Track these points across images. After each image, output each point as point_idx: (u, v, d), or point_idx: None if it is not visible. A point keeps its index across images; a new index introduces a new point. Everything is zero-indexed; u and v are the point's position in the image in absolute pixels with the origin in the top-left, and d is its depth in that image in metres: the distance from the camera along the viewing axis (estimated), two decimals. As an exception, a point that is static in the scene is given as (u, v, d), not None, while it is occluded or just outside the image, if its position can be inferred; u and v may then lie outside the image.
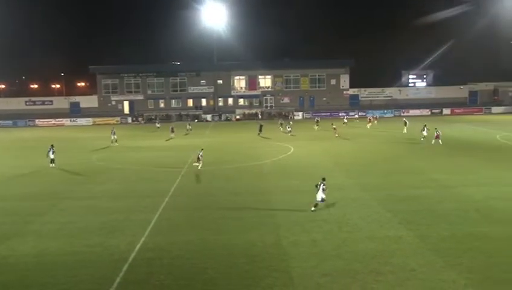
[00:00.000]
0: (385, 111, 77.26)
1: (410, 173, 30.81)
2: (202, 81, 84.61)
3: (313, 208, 22.47)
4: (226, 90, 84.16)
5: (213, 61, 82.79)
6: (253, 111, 79.75)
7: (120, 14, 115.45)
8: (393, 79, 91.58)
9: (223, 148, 45.29)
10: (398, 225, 20.22)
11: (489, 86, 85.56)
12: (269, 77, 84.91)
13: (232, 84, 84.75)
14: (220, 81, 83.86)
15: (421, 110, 76.60)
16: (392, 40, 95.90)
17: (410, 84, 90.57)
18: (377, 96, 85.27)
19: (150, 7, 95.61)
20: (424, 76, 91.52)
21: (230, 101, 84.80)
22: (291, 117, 71.81)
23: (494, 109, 77.80)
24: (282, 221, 21.20)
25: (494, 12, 78.80)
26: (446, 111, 76.97)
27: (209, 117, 77.31)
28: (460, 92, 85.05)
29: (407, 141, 45.89)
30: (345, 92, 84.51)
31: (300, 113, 78.21)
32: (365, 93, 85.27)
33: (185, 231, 20.38)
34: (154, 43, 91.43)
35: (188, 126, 59.41)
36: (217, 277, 15.75)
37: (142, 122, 74.92)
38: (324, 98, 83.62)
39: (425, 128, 44.93)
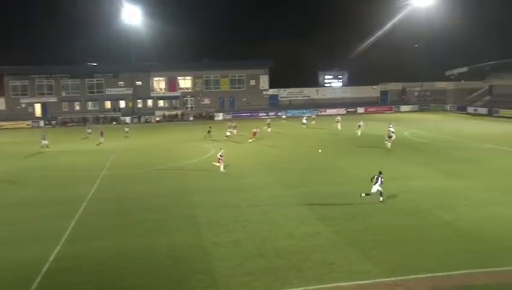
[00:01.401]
0: (304, 111, 79.43)
1: (329, 170, 31.84)
2: (120, 83, 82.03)
3: (363, 194, 23.42)
4: (145, 92, 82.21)
5: (131, 62, 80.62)
6: (174, 112, 78.72)
7: (30, 11, 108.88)
8: (311, 79, 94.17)
9: (143, 150, 44.29)
10: (317, 221, 20.81)
11: (398, 86, 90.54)
12: (189, 78, 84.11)
13: (151, 85, 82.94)
14: (139, 83, 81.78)
15: (337, 109, 79.58)
16: (309, 42, 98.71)
17: (326, 85, 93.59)
18: (296, 97, 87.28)
19: (63, 4, 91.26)
20: (340, 76, 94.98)
21: (149, 102, 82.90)
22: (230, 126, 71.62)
23: (403, 108, 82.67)
24: (204, 222, 21.10)
25: (402, 17, 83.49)
26: (360, 110, 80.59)
27: (128, 119, 75.20)
28: (372, 91, 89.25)
29: (332, 138, 47.39)
30: (264, 93, 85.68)
31: (220, 114, 78.35)
32: (284, 94, 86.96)
33: (105, 237, 19.69)
34: (69, 43, 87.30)
35: (125, 129, 56.77)
36: (139, 281, 15.36)
37: (57, 125, 71.39)
38: (244, 99, 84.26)
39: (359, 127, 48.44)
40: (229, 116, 76.86)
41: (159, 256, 17.35)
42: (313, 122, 59.93)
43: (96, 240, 19.31)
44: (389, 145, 38.91)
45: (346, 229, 19.63)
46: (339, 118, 57.56)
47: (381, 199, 23.44)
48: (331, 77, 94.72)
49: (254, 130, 47.49)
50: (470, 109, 75.66)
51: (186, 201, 24.89)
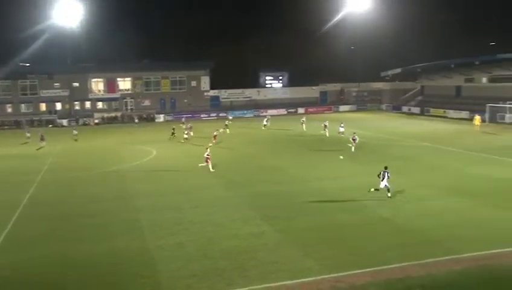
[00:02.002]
0: (245, 111, 79.97)
1: (272, 170, 32.21)
2: (56, 84, 78.83)
3: (372, 189, 23.85)
4: (83, 93, 79.53)
5: (67, 63, 77.78)
6: (113, 115, 76.80)
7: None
8: (252, 80, 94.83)
9: (82, 153, 42.94)
10: (261, 221, 21.04)
11: (336, 86, 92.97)
12: (129, 79, 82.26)
13: (89, 86, 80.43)
14: (76, 84, 78.98)
15: (278, 109, 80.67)
16: (250, 43, 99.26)
17: (267, 85, 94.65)
18: (237, 98, 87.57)
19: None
20: (280, 77, 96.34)
21: (87, 104, 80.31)
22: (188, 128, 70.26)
23: (341, 108, 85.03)
24: (147, 225, 20.79)
25: (340, 20, 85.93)
26: (301, 110, 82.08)
27: (65, 122, 72.57)
28: (312, 92, 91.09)
29: (288, 139, 47.92)
30: (205, 94, 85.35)
31: (161, 116, 77.26)
32: (226, 95, 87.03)
33: (42, 244, 18.92)
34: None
35: (74, 131, 54.10)
36: (81, 289, 14.92)
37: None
38: (185, 100, 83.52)
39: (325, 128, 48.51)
40: (169, 118, 75.98)
41: (101, 262, 16.91)
42: (269, 123, 58.68)
43: (32, 248, 18.53)
44: (353, 148, 38.41)
45: (289, 228, 19.97)
46: (304, 118, 56.79)
47: (388, 194, 23.85)
48: (272, 77, 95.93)
49: (214, 133, 46.53)
50: (404, 109, 79.00)
51: (128, 204, 24.41)
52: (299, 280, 14.97)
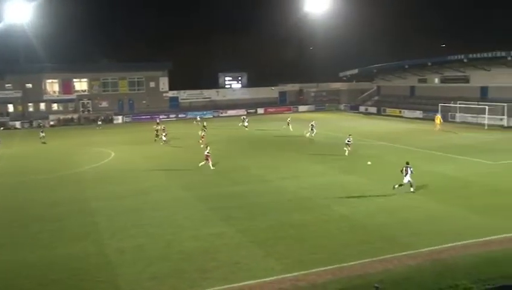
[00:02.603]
0: (205, 112, 79.54)
1: (231, 170, 32.14)
2: (8, 85, 75.95)
3: (396, 186, 24.39)
4: (37, 95, 76.84)
5: (19, 63, 74.99)
6: (69, 116, 74.77)
7: None
8: (211, 81, 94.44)
9: (38, 156, 41.60)
10: (221, 221, 20.95)
11: (295, 86, 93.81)
12: (85, 80, 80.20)
13: (43, 88, 77.89)
14: (29, 85, 76.33)
15: (237, 110, 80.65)
16: (209, 43, 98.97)
17: (226, 86, 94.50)
18: (197, 98, 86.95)
19: None
20: (240, 78, 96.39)
21: (42, 106, 77.68)
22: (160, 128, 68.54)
23: (301, 108, 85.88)
24: (105, 229, 20.32)
25: (297, 20, 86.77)
26: (260, 111, 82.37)
27: (18, 124, 70.08)
28: (271, 92, 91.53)
29: (235, 138, 47.82)
30: (164, 95, 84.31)
31: (120, 117, 75.83)
32: (185, 95, 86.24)
33: (0, 251, 18.19)
34: None
35: (41, 134, 51.79)
36: (34, 297, 14.41)
37: None
38: (144, 101, 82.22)
39: (312, 128, 47.40)
40: (128, 119, 74.69)
41: (57, 268, 16.37)
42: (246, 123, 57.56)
43: (-16, 255, 17.78)
44: (346, 152, 36.66)
45: (250, 228, 19.97)
46: (289, 119, 55.63)
47: (411, 189, 24.37)
48: (231, 78, 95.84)
49: (202, 133, 45.37)
50: (362, 108, 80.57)
51: (85, 208, 23.78)
52: (261, 280, 14.98)
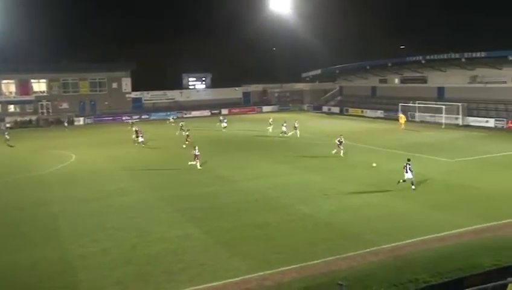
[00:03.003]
0: (168, 113, 78.79)
1: (197, 171, 31.97)
2: (-39, 86, 73.19)
3: (401, 181, 25.32)
4: (-8, 96, 74.22)
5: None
6: (27, 118, 72.62)
7: None
8: (175, 82, 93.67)
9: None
10: (187, 223, 20.87)
11: (259, 87, 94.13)
12: (44, 80, 78.05)
13: (-1, 88, 75.23)
14: (-17, 86, 73.73)
15: (201, 111, 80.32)
16: (173, 44, 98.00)
17: (190, 87, 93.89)
18: (160, 99, 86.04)
19: None
20: (203, 78, 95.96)
21: (-3, 107, 75.02)
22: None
23: (265, 108, 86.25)
24: (67, 233, 19.91)
25: (261, 20, 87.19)
26: (224, 111, 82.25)
27: (-29, 126, 67.62)
28: (235, 93, 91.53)
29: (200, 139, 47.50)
30: (127, 96, 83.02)
31: (81, 119, 74.23)
32: (148, 96, 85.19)
33: (-51, 260, 17.51)
34: None
35: (6, 136, 49.75)
36: (-6, 305, 14.00)
37: None
38: (106, 102, 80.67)
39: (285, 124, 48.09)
40: (90, 121, 73.23)
41: (17, 275, 15.94)
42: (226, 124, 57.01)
43: None
44: (341, 153, 36.11)
45: (216, 228, 19.98)
46: (271, 119, 54.55)
47: (412, 187, 25.06)
48: (195, 79, 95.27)
49: (186, 133, 44.42)
50: (325, 108, 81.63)
51: (47, 212, 23.21)
52: (227, 281, 15.03)
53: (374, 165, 31.76)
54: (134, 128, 48.83)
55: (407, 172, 25.39)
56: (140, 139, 44.81)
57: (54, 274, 15.90)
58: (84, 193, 27.02)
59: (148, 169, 33.56)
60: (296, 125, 48.67)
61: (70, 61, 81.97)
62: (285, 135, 47.43)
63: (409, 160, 25.93)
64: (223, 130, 55.05)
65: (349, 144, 42.21)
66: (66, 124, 65.93)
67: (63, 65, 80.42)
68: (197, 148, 33.21)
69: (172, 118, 68.63)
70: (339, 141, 36.25)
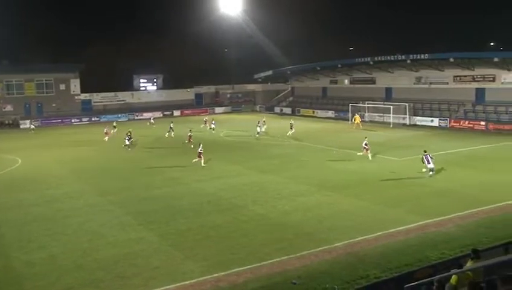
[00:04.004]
0: (119, 115, 77.11)
1: (149, 174, 31.44)
2: None
3: (424, 170, 27.87)
4: None
5: None
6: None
7: None
8: (126, 83, 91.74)
9: None
10: (139, 226, 20.44)
11: (211, 88, 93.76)
12: (-15, 82, 74.52)
13: None
14: None
15: (154, 112, 78.99)
16: (123, 45, 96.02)
17: (142, 88, 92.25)
18: (111, 101, 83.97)
19: None
20: (155, 80, 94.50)
21: None
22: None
23: (217, 109, 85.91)
24: (12, 240, 19.03)
25: (213, 21, 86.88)
26: (176, 113, 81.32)
27: None
28: (187, 94, 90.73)
29: (166, 142, 46.66)
30: (76, 98, 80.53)
31: (27, 122, 71.24)
32: (98, 98, 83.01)
33: None
34: None
35: None
36: None
37: None
38: (54, 104, 77.94)
39: (260, 124, 48.82)
40: (37, 124, 70.47)
41: (-43, 286, 15.11)
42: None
43: None
44: (370, 156, 34.43)
45: (168, 231, 19.68)
46: (264, 119, 53.90)
47: (431, 173, 27.69)
48: (146, 80, 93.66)
49: (189, 133, 43.45)
50: (277, 109, 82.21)
51: (-11, 220, 22.11)
52: (181, 283, 14.83)
53: (335, 152, 33.83)
54: (114, 131, 49.70)
55: (428, 162, 27.79)
56: (127, 142, 42.36)
57: (-2, 284, 15.17)
58: (31, 197, 25.92)
59: (98, 172, 32.65)
60: (291, 123, 50.02)
61: (12, 62, 78.45)
62: (291, 134, 47.52)
63: (425, 151, 28.50)
64: (213, 132, 52.90)
65: (301, 144, 42.77)
66: (32, 127, 60.75)
67: (6, 66, 76.72)
68: (201, 145, 33.71)
69: (153, 120, 65.04)
70: (365, 144, 34.69)
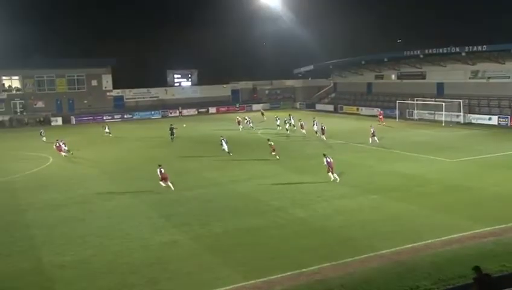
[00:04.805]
0: (152, 112, 78.51)
1: (182, 174, 31.80)
2: None
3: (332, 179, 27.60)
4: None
5: None
6: None
7: None
8: (159, 79, 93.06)
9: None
10: (172, 228, 20.70)
11: (248, 84, 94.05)
12: (17, 77, 77.20)
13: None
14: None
15: (188, 109, 79.99)
16: (156, 39, 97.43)
17: (176, 84, 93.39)
18: (143, 97, 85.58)
19: None
20: (190, 75, 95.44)
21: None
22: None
23: (254, 106, 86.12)
24: (43, 242, 19.62)
25: (250, 15, 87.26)
26: (212, 110, 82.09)
27: None
28: (223, 90, 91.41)
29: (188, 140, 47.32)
30: (108, 94, 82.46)
31: (59, 119, 73.54)
32: (130, 94, 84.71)
33: None
34: None
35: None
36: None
37: None
38: (85, 101, 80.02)
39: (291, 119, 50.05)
40: (68, 121, 72.53)
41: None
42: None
43: None
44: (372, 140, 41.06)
45: (203, 234, 19.84)
46: (291, 116, 55.00)
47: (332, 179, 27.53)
48: (180, 75, 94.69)
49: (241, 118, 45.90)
50: (318, 106, 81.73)
51: (19, 220, 22.86)
52: (216, 289, 14.90)
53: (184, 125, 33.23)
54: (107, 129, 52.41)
55: (329, 169, 27.65)
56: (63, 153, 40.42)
57: (28, 287, 15.64)
58: (62, 198, 26.70)
59: (129, 172, 33.31)
60: (315, 121, 48.99)
61: (44, 57, 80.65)
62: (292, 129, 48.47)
63: (324, 155, 28.47)
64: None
65: (344, 144, 42.32)
66: (106, 130, 54.96)
67: (37, 61, 78.77)
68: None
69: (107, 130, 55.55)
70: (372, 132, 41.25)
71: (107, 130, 53.59)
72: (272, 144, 37.08)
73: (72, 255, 18.04)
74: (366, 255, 16.98)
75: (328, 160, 28.09)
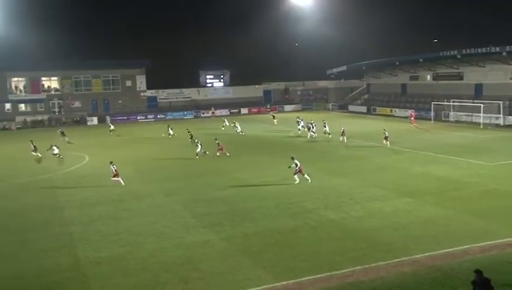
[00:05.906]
0: (185, 112, 79.35)
1: (214, 174, 32.06)
2: (-31, 84, 74.59)
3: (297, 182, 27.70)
4: (2, 95, 75.58)
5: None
6: (39, 118, 73.83)
7: None
8: (191, 79, 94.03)
9: (3, 161, 40.97)
10: (204, 228, 20.89)
11: (280, 85, 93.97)
12: (55, 78, 79.32)
13: (8, 87, 76.65)
14: (-7, 84, 75.00)
15: (220, 110, 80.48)
16: (189, 40, 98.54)
17: (208, 85, 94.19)
18: (176, 98, 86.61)
19: None
20: (222, 76, 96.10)
21: (8, 106, 76.27)
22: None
23: (286, 107, 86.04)
24: (79, 239, 20.12)
25: (282, 16, 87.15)
26: (244, 111, 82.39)
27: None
28: (255, 91, 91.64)
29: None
30: (142, 94, 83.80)
31: (95, 118, 75.12)
32: (164, 95, 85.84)
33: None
34: None
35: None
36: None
37: None
38: (120, 101, 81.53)
39: (325, 125, 48.51)
40: (104, 120, 73.96)
41: (27, 283, 16.13)
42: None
43: None
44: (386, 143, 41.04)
45: (235, 235, 19.96)
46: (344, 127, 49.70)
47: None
48: (213, 76, 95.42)
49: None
50: (351, 108, 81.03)
51: (57, 217, 23.52)
52: (247, 290, 15.00)
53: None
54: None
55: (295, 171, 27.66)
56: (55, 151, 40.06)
57: (65, 282, 16.07)
58: (97, 196, 27.30)
59: (163, 171, 33.76)
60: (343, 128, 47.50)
61: (81, 59, 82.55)
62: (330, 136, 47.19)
63: (293, 158, 28.33)
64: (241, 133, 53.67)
65: (377, 146, 41.83)
66: (112, 128, 58.11)
67: (74, 62, 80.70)
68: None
69: (112, 127, 58.70)
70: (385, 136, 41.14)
71: (170, 131, 51.68)
72: (220, 142, 38.73)
73: (107, 252, 18.45)
74: (399, 259, 16.76)
75: (297, 163, 28.43)
